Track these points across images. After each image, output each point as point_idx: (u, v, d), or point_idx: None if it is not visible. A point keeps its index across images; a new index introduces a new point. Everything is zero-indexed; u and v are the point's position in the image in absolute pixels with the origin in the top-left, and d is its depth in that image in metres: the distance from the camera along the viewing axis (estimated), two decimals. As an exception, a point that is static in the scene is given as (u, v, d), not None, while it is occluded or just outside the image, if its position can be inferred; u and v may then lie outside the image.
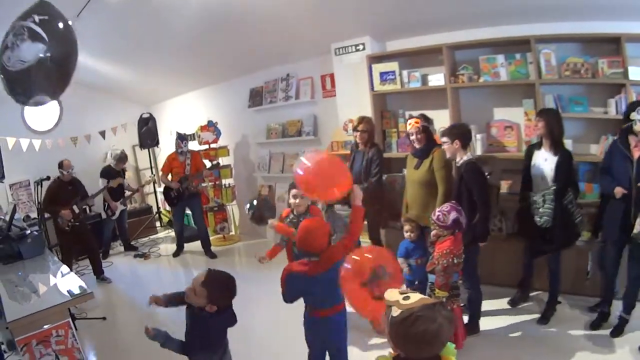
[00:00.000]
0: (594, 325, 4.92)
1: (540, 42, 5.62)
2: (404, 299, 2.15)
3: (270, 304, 4.99)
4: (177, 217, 9.13)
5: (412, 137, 5.45)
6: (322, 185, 3.62)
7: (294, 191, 4.85)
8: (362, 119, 6.17)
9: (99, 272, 8.02)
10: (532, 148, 5.21)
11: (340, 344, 3.89)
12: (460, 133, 4.98)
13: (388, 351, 2.27)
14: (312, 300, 3.75)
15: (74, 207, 7.57)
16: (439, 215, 4.53)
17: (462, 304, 4.89)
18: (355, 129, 6.17)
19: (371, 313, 3.00)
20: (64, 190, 7.62)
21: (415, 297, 2.15)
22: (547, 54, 5.60)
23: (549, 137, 4.92)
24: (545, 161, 4.98)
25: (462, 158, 4.93)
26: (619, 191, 4.46)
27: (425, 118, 5.55)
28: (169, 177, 8.72)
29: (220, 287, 3.48)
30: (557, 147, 4.90)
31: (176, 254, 9.21)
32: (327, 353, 3.97)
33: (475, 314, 5.13)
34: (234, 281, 3.56)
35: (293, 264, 3.84)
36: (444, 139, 4.96)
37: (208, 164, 9.21)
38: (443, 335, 2.04)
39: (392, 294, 2.22)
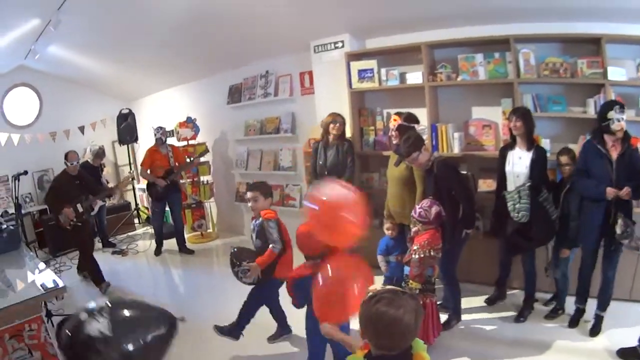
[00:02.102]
0: (572, 323, 4.95)
1: (519, 42, 5.62)
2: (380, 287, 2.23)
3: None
4: (158, 215, 8.88)
5: (391, 134, 5.53)
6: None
7: (249, 194, 4.77)
8: (336, 114, 6.35)
9: (83, 269, 7.74)
10: (505, 149, 5.23)
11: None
12: (421, 139, 5.02)
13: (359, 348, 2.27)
14: None
15: (78, 205, 7.11)
16: (420, 211, 4.50)
17: (438, 302, 4.92)
18: (334, 122, 6.28)
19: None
20: (70, 185, 7.20)
21: (389, 287, 2.22)
22: (526, 54, 5.58)
23: (525, 136, 4.92)
24: (519, 159, 4.99)
25: (430, 159, 4.93)
26: (611, 192, 4.36)
27: (410, 117, 5.58)
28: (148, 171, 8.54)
29: None
30: (531, 144, 4.92)
31: (158, 252, 8.91)
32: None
33: (455, 310, 5.14)
34: None
35: (295, 272, 3.92)
36: (414, 155, 4.88)
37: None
38: (404, 324, 2.03)
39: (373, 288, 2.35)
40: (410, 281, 4.48)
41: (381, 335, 2.08)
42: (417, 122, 5.62)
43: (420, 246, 4.42)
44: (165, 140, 8.62)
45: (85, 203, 7.19)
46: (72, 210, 6.94)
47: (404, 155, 4.95)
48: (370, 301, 2.11)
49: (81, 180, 7.38)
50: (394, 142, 5.51)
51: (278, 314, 5.15)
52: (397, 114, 5.60)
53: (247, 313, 4.96)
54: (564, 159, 4.98)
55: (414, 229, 4.66)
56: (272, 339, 5.20)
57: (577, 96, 5.57)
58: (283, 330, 5.20)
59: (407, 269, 4.63)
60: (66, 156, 7.20)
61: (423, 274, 4.47)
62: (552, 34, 5.51)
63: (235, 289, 4.98)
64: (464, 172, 5.83)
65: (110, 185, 9.84)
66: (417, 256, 4.41)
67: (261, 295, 4.89)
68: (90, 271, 7.32)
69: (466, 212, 4.87)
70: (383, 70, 6.56)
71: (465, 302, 5.40)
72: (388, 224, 5.52)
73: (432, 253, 4.41)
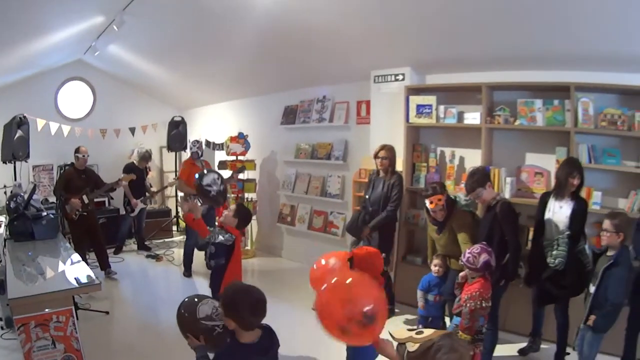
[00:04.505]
0: None
1: (579, 90, 5.69)
2: (417, 333, 2.27)
3: (284, 321, 5.02)
4: (194, 233, 8.62)
5: (434, 214, 5.58)
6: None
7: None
8: (384, 147, 6.47)
9: (105, 266, 8.21)
10: (546, 196, 5.30)
11: None
12: (486, 175, 5.26)
13: None
14: None
15: (84, 197, 7.83)
16: (469, 257, 4.50)
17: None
18: (376, 156, 6.47)
19: None
20: (76, 178, 7.95)
21: (429, 331, 2.29)
22: (585, 103, 5.64)
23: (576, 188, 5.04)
24: (560, 209, 5.05)
25: (494, 198, 5.13)
26: None
27: (443, 187, 5.71)
28: None
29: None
30: (575, 195, 5.03)
31: (188, 273, 8.66)
32: None
33: (488, 354, 5.08)
34: None
35: None
36: (478, 190, 5.14)
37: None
38: None
39: (401, 332, 2.34)
40: (460, 332, 4.36)
41: None
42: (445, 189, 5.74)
43: (471, 297, 4.36)
44: (202, 155, 8.88)
45: (91, 195, 7.97)
46: (79, 201, 7.65)
47: (475, 199, 5.21)
48: (429, 352, 2.14)
49: (87, 175, 8.12)
50: (439, 219, 5.56)
51: None
52: (437, 193, 5.49)
53: None
54: (606, 224, 4.46)
55: (461, 274, 4.71)
56: None
57: (632, 150, 5.64)
58: None
59: (456, 319, 4.60)
60: (77, 149, 7.97)
61: (474, 326, 4.36)
62: (613, 85, 5.54)
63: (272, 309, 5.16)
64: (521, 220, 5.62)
65: (153, 189, 10.44)
66: (468, 308, 4.36)
67: None
68: (100, 254, 8.27)
69: (512, 262, 4.98)
70: (441, 107, 6.74)
71: (498, 350, 5.28)
72: (437, 261, 5.60)
73: (483, 304, 4.35)
